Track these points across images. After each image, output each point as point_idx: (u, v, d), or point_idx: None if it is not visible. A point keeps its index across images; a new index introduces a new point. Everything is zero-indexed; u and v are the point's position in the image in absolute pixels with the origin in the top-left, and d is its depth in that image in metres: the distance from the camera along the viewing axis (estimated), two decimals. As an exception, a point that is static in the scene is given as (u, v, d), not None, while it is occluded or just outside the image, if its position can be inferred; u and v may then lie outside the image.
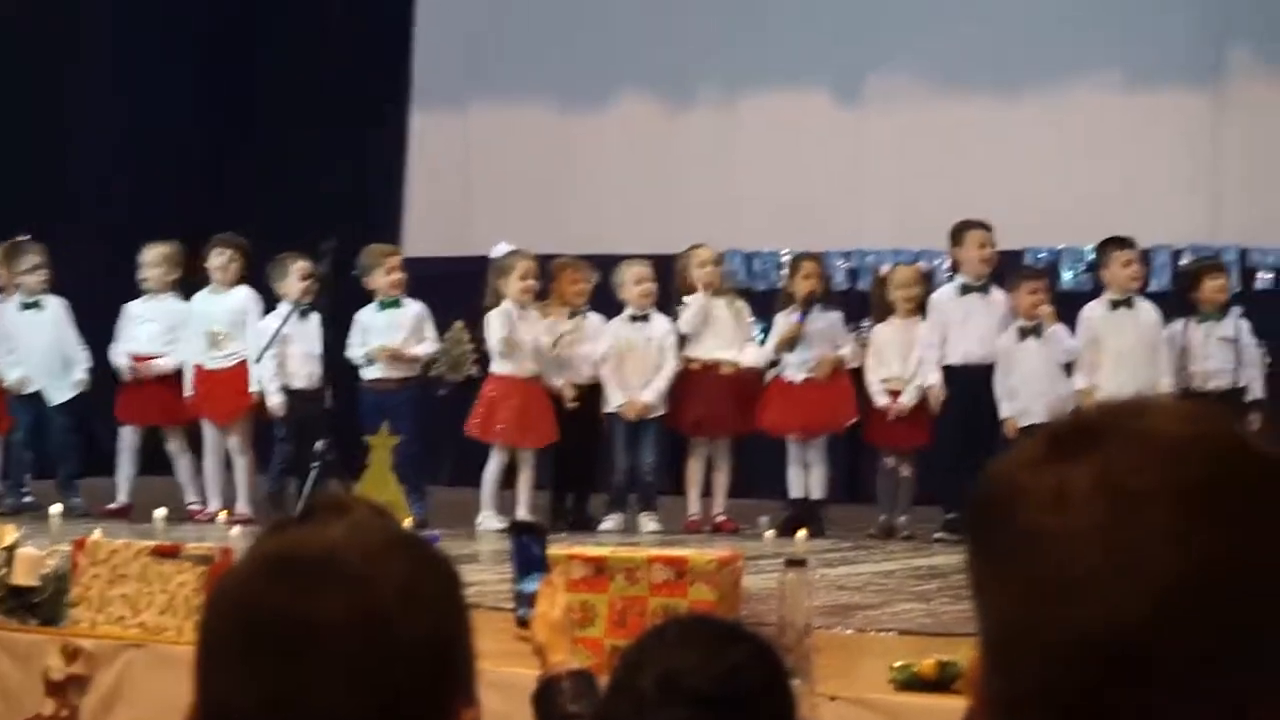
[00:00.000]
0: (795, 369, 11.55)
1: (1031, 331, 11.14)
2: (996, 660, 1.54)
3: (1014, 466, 1.54)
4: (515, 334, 11.58)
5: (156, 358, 12.27)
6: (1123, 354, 11.05)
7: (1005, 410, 11.10)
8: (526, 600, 4.07)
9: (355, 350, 11.89)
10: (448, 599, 1.89)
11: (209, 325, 12.12)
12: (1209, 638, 1.46)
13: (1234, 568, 1.47)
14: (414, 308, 11.98)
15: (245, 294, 12.19)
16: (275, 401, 11.87)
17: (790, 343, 11.56)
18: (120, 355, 12.28)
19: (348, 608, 1.80)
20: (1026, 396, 11.07)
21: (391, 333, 11.87)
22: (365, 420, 11.52)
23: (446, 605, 1.88)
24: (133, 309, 12.37)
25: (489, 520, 11.46)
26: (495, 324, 11.64)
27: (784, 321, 11.65)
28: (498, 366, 11.72)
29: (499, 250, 11.96)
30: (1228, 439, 1.52)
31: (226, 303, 12.18)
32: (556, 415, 11.69)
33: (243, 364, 11.98)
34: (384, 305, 11.92)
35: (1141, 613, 1.46)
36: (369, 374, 11.89)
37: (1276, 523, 1.50)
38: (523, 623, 4.05)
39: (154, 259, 12.34)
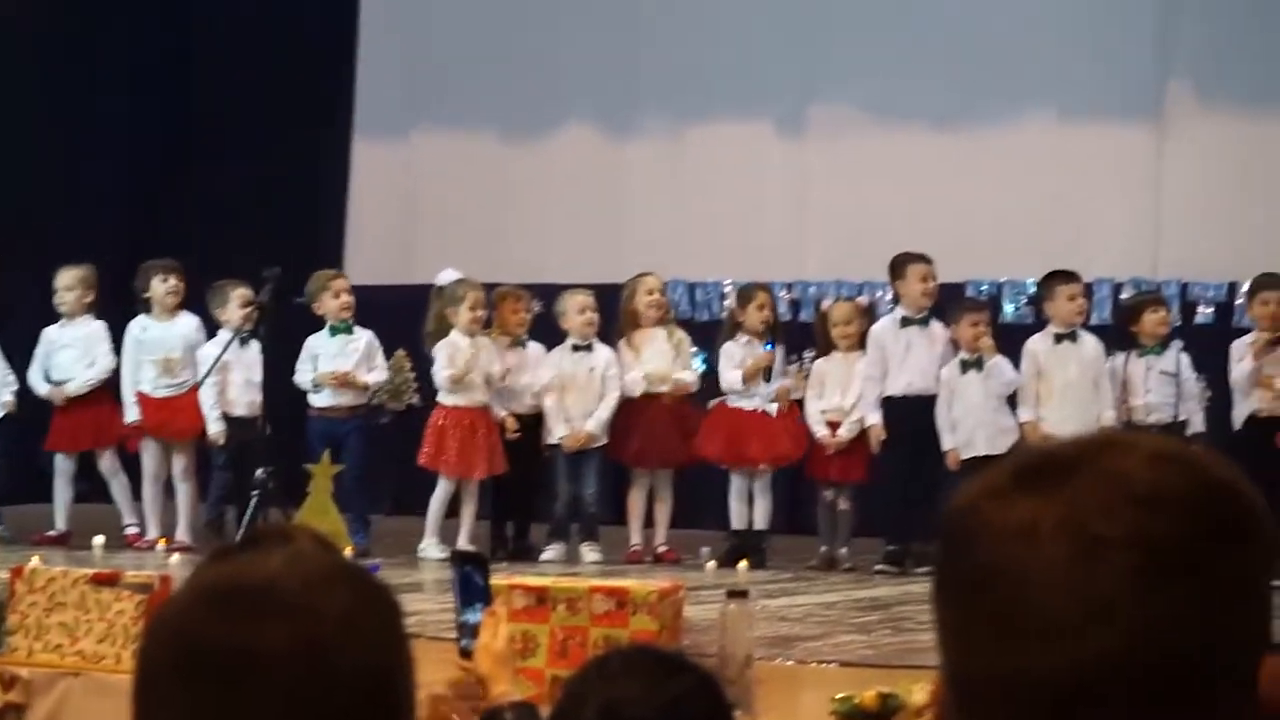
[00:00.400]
0: (762, 400, 11.57)
1: (973, 364, 11.18)
2: (959, 694, 1.53)
3: (980, 496, 1.53)
4: (465, 364, 11.55)
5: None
6: (1066, 387, 11.10)
7: (947, 442, 11.14)
8: (469, 631, 4.06)
9: (304, 376, 11.85)
10: (388, 629, 1.89)
11: (161, 353, 12.04)
12: (1169, 690, 1.46)
13: (1194, 624, 1.46)
14: (365, 335, 11.97)
15: (194, 320, 12.13)
16: (215, 430, 11.83)
17: (764, 373, 11.58)
18: (39, 381, 12.21)
19: (289, 638, 1.79)
20: (968, 428, 11.12)
21: (342, 359, 11.84)
22: (313, 448, 11.49)
23: (387, 635, 1.88)
24: (50, 334, 12.29)
25: (431, 549, 11.43)
26: (443, 355, 11.62)
27: (739, 351, 11.64)
28: (445, 396, 11.69)
29: (445, 277, 11.95)
30: (1201, 489, 1.51)
31: (176, 329, 12.11)
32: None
33: (193, 390, 11.90)
34: (335, 331, 11.89)
35: (1101, 663, 1.45)
36: (318, 401, 11.85)
37: (1240, 582, 1.49)
38: (465, 654, 4.04)
39: (68, 282, 12.25)
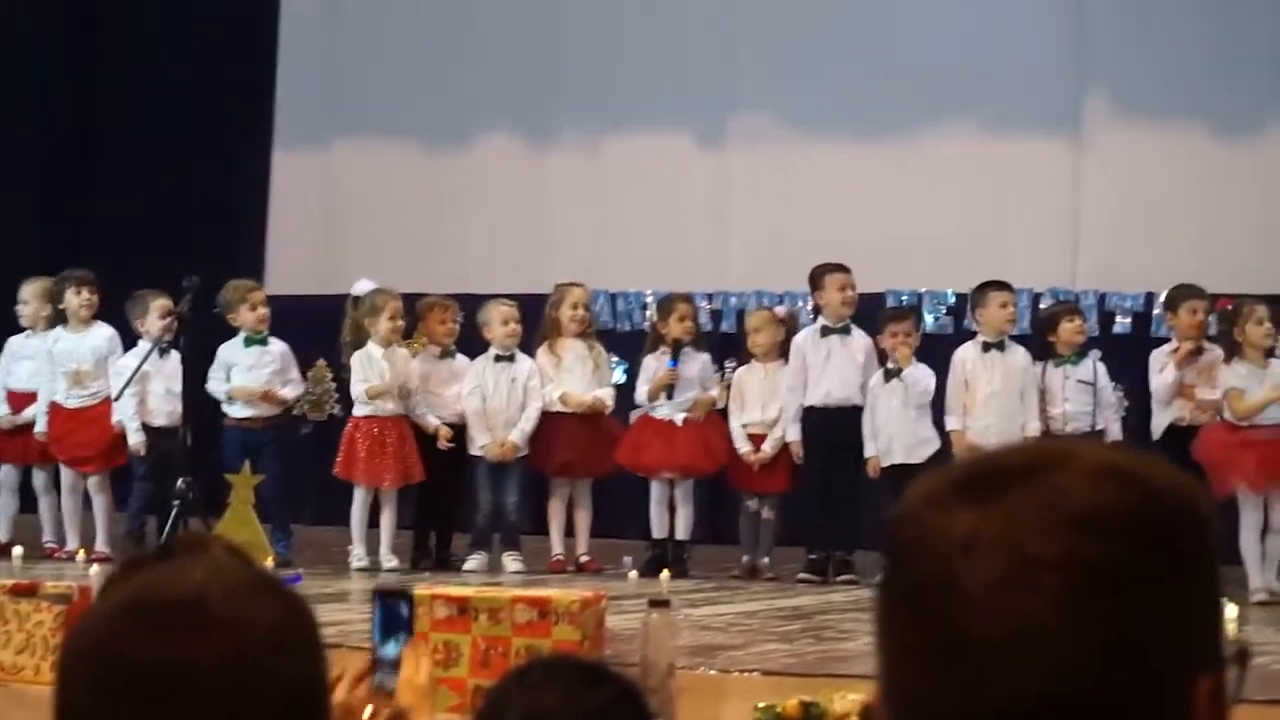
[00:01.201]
0: (671, 410, 11.58)
1: (894, 373, 11.24)
2: (894, 710, 1.51)
3: (921, 505, 1.51)
4: (391, 379, 11.55)
5: (33, 394, 12.14)
6: (990, 396, 11.15)
7: (869, 450, 11.20)
8: (389, 666, 3.98)
9: (217, 386, 11.81)
10: (311, 638, 1.89)
11: (72, 364, 12.00)
12: (1106, 714, 1.44)
13: (1130, 647, 1.45)
14: (279, 346, 11.95)
15: (106, 331, 12.09)
16: (136, 440, 11.78)
17: (666, 389, 11.60)
18: None
19: (219, 651, 1.78)
20: (886, 437, 11.18)
21: (257, 371, 11.82)
22: (229, 457, 11.46)
23: (310, 644, 1.88)
24: (14, 344, 12.27)
25: (360, 558, 11.45)
26: (358, 367, 11.61)
27: (654, 365, 11.67)
28: (359, 407, 11.69)
29: (362, 287, 11.94)
30: (1141, 508, 1.48)
31: (88, 341, 12.08)
32: (421, 454, 11.68)
33: (106, 402, 11.87)
34: (250, 342, 11.86)
35: (1036, 685, 1.43)
36: (235, 412, 11.82)
37: (1179, 603, 1.47)
38: (382, 690, 3.95)
39: (31, 293, 12.24)
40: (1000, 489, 1.47)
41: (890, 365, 11.28)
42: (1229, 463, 10.38)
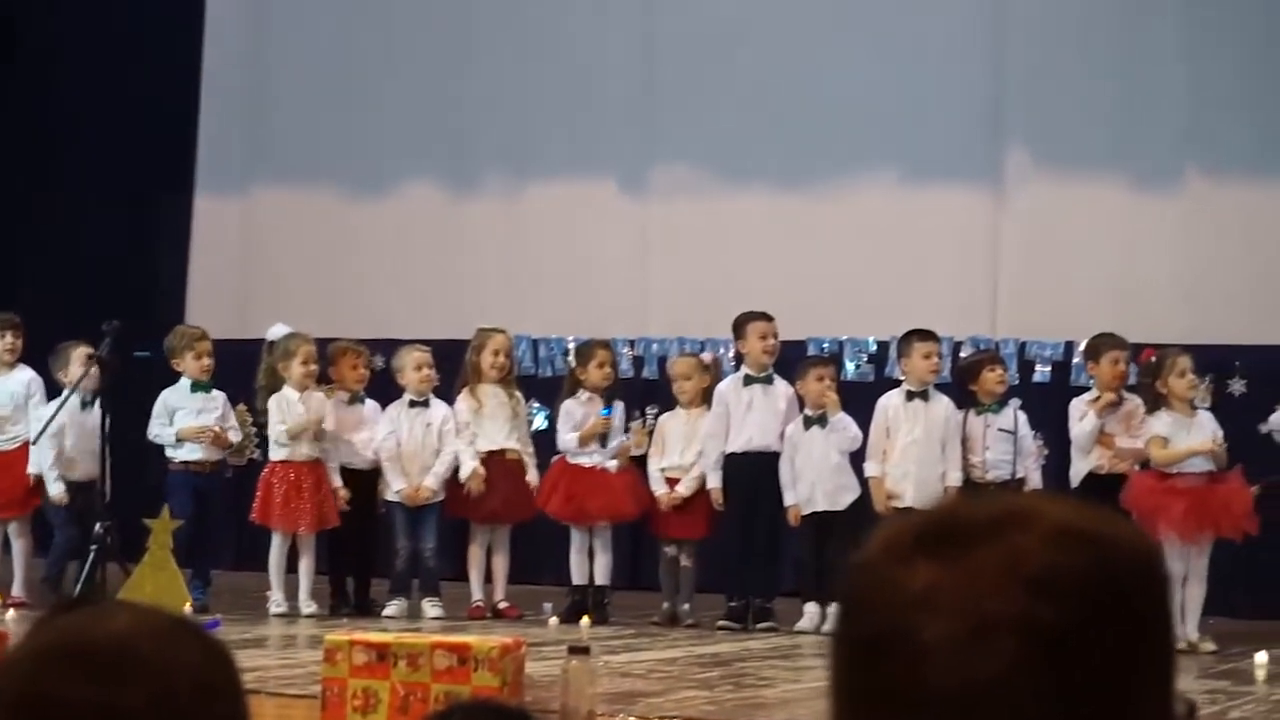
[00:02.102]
0: (602, 458, 11.58)
1: (816, 420, 11.26)
2: None
3: (881, 556, 1.51)
4: (306, 420, 11.52)
5: None
6: (912, 444, 11.18)
7: (789, 498, 11.21)
8: None
9: (162, 430, 11.71)
10: (234, 683, 1.88)
11: None
12: None
13: (1084, 710, 1.45)
14: (221, 395, 11.91)
15: (26, 375, 11.99)
16: (57, 491, 11.68)
17: (600, 437, 11.59)
18: None
19: (148, 697, 1.77)
20: (808, 484, 11.19)
21: (204, 416, 11.75)
22: (178, 503, 11.33)
23: (234, 689, 1.87)
24: None
25: (278, 603, 11.39)
26: (275, 411, 11.58)
27: (575, 410, 11.66)
28: (276, 451, 11.65)
29: (276, 332, 11.91)
30: (1098, 572, 1.49)
31: (8, 385, 11.97)
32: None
33: (24, 447, 11.77)
34: (195, 388, 11.78)
35: None
36: (183, 455, 11.72)
37: (1133, 664, 1.48)
38: None
39: None
40: (962, 545, 1.48)
41: (810, 412, 11.30)
42: (1157, 510, 10.44)
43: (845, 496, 11.14)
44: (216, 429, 11.70)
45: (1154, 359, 10.89)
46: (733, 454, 11.40)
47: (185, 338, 11.92)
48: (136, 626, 1.81)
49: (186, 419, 11.72)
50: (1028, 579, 1.46)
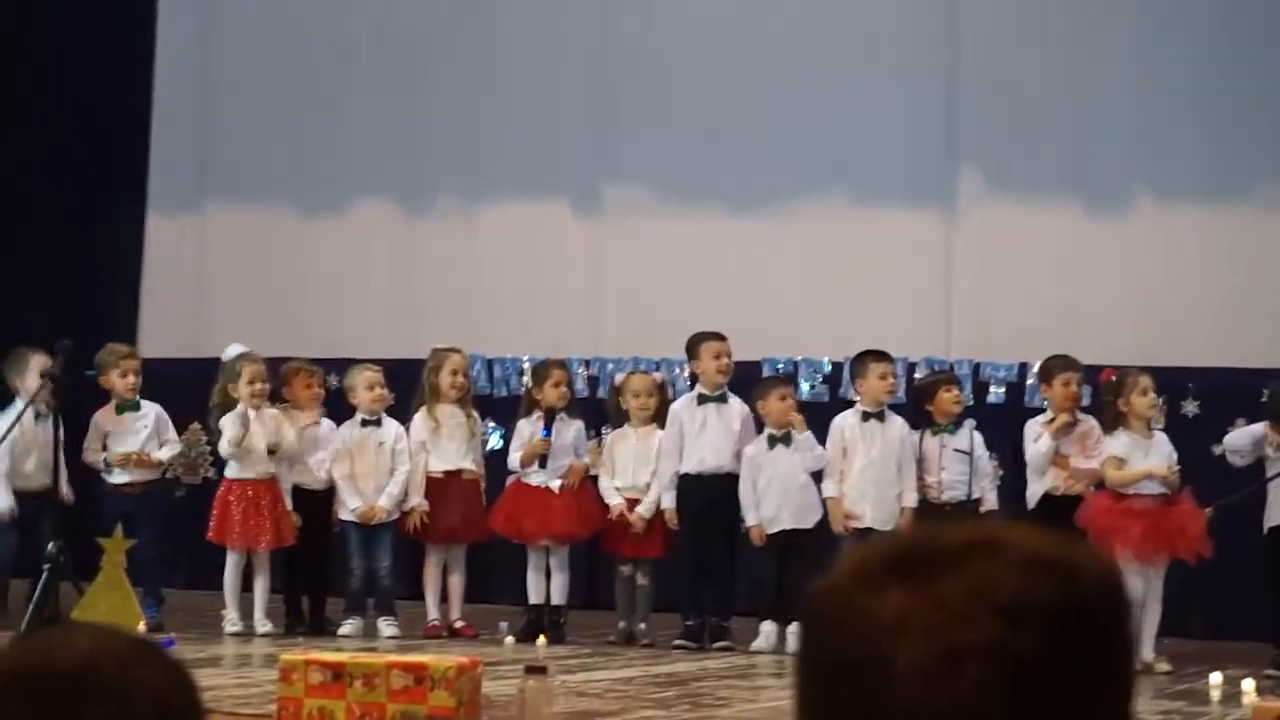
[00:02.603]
0: (545, 477, 11.57)
1: (781, 439, 11.27)
2: None
3: (850, 581, 1.51)
4: (248, 437, 11.50)
5: None
6: (867, 465, 11.20)
7: (751, 518, 11.21)
8: None
9: (94, 455, 11.72)
10: (194, 705, 1.88)
11: None
12: None
13: None
14: (153, 410, 11.88)
15: None
16: (4, 505, 11.62)
17: (540, 458, 11.59)
18: None
19: (110, 719, 1.77)
20: (774, 503, 11.19)
21: (132, 436, 11.74)
22: (107, 523, 11.33)
23: (194, 711, 1.87)
24: None
25: (233, 622, 11.37)
26: (226, 427, 11.56)
27: (528, 429, 11.67)
28: (230, 470, 11.64)
29: (230, 352, 11.90)
30: (1067, 600, 1.50)
31: None
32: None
33: None
34: (122, 408, 11.77)
35: None
36: (113, 478, 11.73)
37: (1099, 689, 1.50)
38: None
39: None
40: (931, 572, 1.49)
41: (774, 431, 11.30)
42: (1113, 530, 10.48)
43: (811, 515, 11.16)
44: (139, 454, 11.65)
45: (1114, 378, 10.94)
46: (686, 474, 11.41)
47: (113, 354, 11.88)
48: (97, 649, 1.81)
49: (117, 441, 11.70)
50: (998, 606, 1.47)
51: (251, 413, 11.58)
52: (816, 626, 1.53)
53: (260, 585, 11.55)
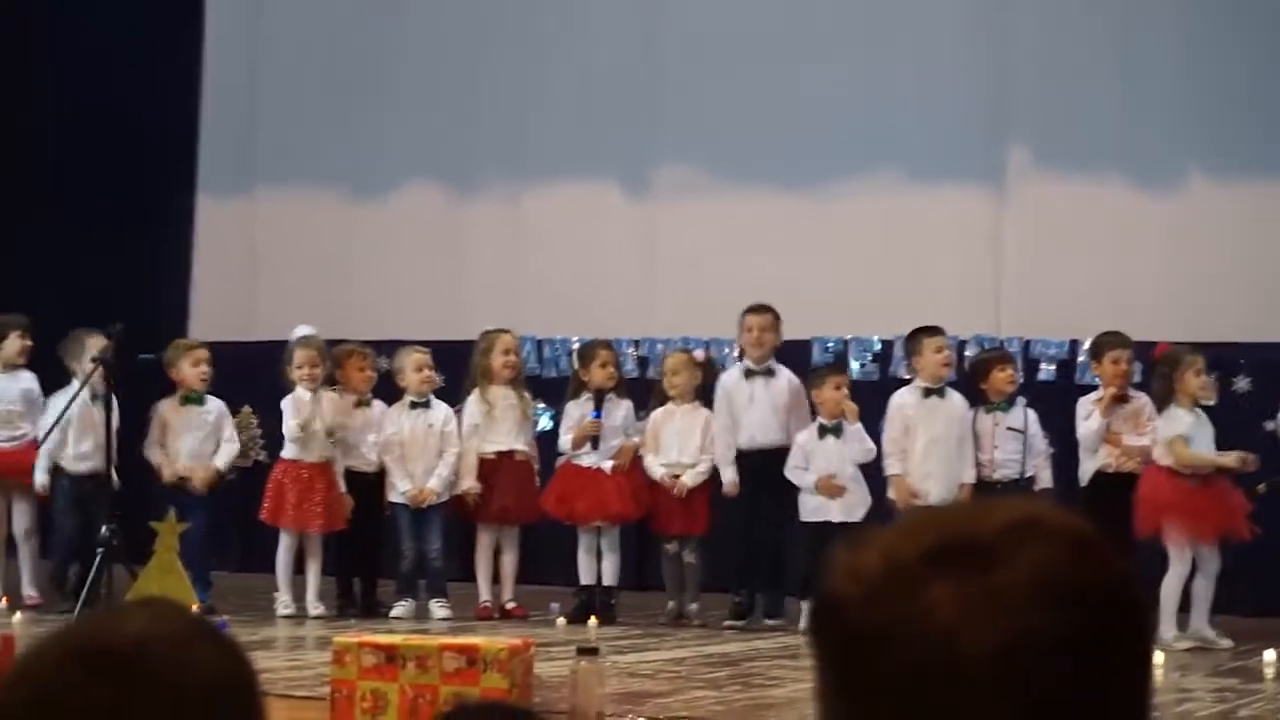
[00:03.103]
0: (597, 459, 11.56)
1: (831, 430, 11.22)
2: None
3: (885, 579, 1.47)
4: (306, 419, 11.53)
5: None
6: (932, 443, 11.13)
7: (805, 513, 11.14)
8: None
9: (155, 452, 11.69)
10: (249, 688, 1.89)
11: (3, 405, 11.86)
12: None
13: (1128, 714, 1.46)
14: (216, 406, 11.87)
15: (31, 375, 11.97)
16: (41, 480, 11.64)
17: (590, 440, 11.57)
18: None
19: (160, 700, 1.78)
20: (820, 499, 11.13)
21: (193, 431, 11.71)
22: (160, 506, 11.35)
23: (249, 693, 1.88)
24: None
25: (286, 604, 11.40)
26: (288, 408, 11.60)
27: (577, 412, 11.66)
28: (288, 451, 11.66)
29: (295, 334, 11.92)
30: (1114, 581, 1.49)
31: (19, 383, 11.92)
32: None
33: (32, 444, 11.74)
34: (187, 400, 11.76)
35: None
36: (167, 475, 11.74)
37: (1146, 674, 1.50)
38: None
39: None
40: (979, 564, 1.45)
41: (825, 421, 11.24)
42: (1172, 506, 10.46)
43: (860, 509, 11.10)
44: (200, 469, 11.64)
45: (1167, 355, 10.89)
46: (739, 449, 11.36)
47: (181, 347, 11.91)
48: (152, 627, 1.82)
49: (177, 438, 11.66)
50: (1059, 591, 1.45)
51: (307, 395, 11.60)
52: (857, 639, 1.47)
53: (313, 568, 11.58)
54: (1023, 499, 1.54)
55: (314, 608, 11.43)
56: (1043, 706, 1.43)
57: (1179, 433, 10.63)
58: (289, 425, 11.57)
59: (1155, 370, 10.99)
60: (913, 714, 1.45)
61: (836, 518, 11.00)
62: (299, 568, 11.61)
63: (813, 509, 11.13)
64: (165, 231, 14.77)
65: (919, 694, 1.44)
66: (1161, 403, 10.78)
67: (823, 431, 11.22)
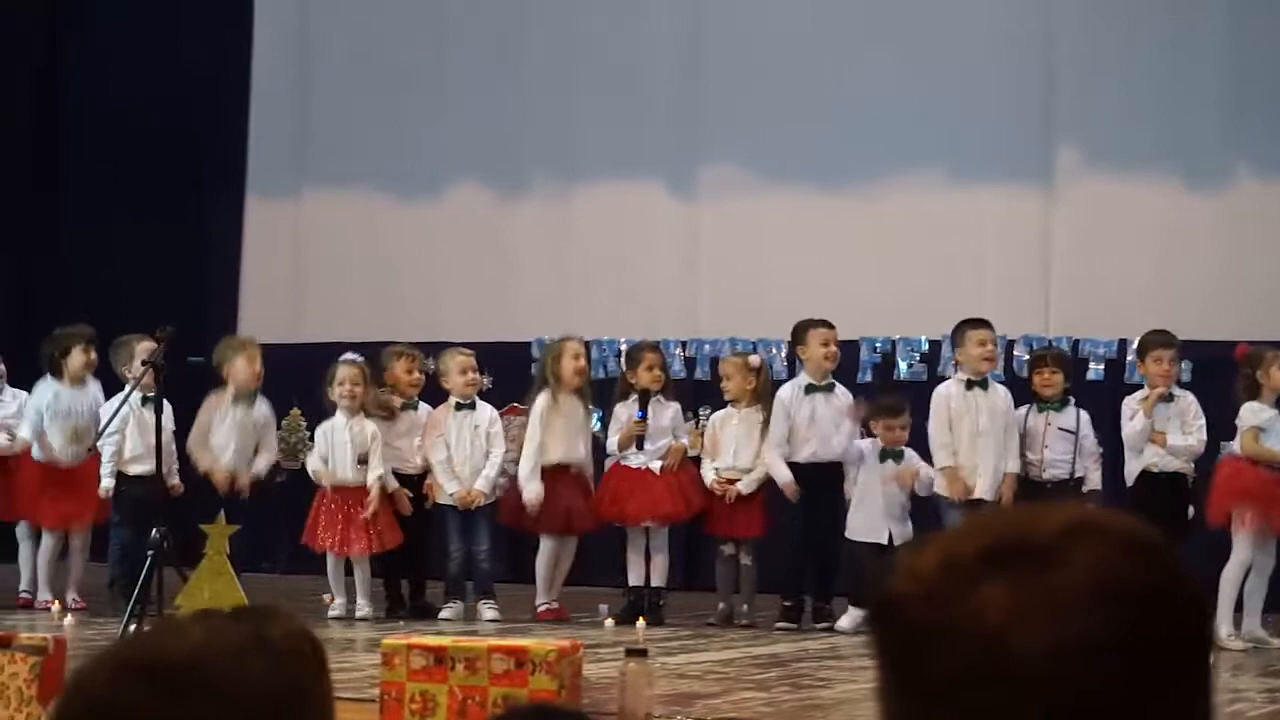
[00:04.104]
0: (644, 459, 11.54)
1: (893, 455, 11.20)
2: None
3: (946, 581, 1.47)
4: (332, 449, 11.56)
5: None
6: (977, 435, 11.09)
7: (852, 533, 11.14)
8: None
9: (197, 448, 11.68)
10: (306, 701, 1.90)
11: (71, 421, 11.84)
12: None
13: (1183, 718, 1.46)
14: (264, 407, 11.84)
15: (97, 386, 11.95)
16: (107, 485, 11.69)
17: (636, 440, 11.55)
18: None
19: (215, 714, 1.79)
20: (878, 516, 11.11)
21: (237, 435, 11.70)
22: (210, 508, 11.37)
23: (305, 706, 1.89)
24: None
25: (336, 607, 11.43)
26: (319, 440, 11.63)
27: (624, 413, 11.65)
28: (318, 477, 11.69)
29: (343, 359, 11.89)
30: (1169, 580, 1.48)
31: (86, 398, 11.88)
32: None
33: (98, 458, 11.74)
34: (237, 399, 11.73)
35: None
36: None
37: (1206, 674, 1.49)
38: None
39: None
40: (1034, 563, 1.46)
41: (886, 447, 11.23)
42: (1246, 495, 10.45)
43: (909, 529, 11.14)
44: (237, 477, 11.65)
45: (1249, 355, 10.86)
46: (793, 463, 11.34)
47: (235, 345, 11.85)
48: (208, 642, 1.83)
49: (222, 436, 11.64)
50: (1113, 593, 1.45)
51: (343, 418, 11.61)
52: (914, 637, 1.48)
53: (360, 575, 11.59)
54: (1079, 502, 1.54)
55: (361, 610, 11.46)
56: (1094, 709, 1.43)
57: (1256, 424, 10.62)
58: (314, 464, 11.58)
59: (1239, 370, 10.91)
60: (965, 713, 1.45)
61: (884, 540, 10.99)
62: (348, 569, 11.63)
63: (866, 529, 11.11)
64: (214, 233, 14.83)
65: (970, 693, 1.44)
66: (1246, 397, 10.74)
67: (883, 456, 11.19)
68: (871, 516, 11.13)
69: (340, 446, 11.61)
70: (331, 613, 11.41)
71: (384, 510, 11.60)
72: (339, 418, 11.68)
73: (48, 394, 11.89)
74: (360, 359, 11.82)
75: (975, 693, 1.45)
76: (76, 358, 11.87)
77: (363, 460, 11.59)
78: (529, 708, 4.41)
